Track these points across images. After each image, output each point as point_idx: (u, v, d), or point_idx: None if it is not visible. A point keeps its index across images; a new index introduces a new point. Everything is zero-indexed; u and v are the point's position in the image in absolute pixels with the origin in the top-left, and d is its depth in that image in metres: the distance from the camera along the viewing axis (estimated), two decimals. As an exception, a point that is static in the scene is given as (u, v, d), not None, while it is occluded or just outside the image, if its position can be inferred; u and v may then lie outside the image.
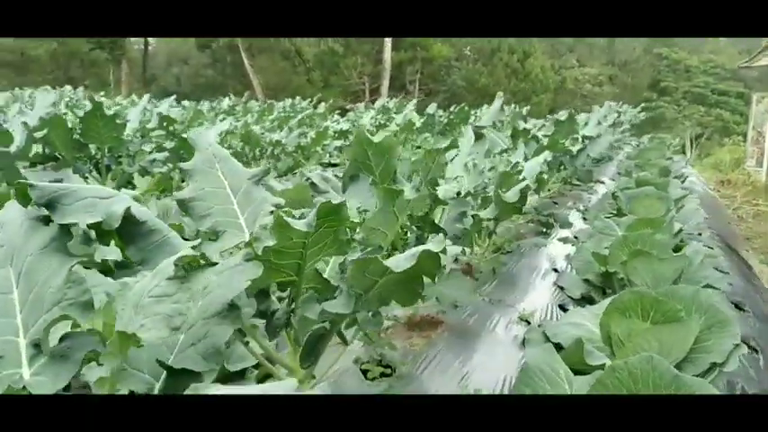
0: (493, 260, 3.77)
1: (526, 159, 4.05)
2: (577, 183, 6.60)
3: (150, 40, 53.14)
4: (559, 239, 4.37)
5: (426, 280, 1.59)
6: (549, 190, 5.32)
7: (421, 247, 1.42)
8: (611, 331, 2.54)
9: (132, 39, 43.98)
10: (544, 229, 4.42)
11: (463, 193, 2.91)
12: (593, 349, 2.41)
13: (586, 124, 7.34)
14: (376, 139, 2.19)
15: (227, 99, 15.71)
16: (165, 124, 5.90)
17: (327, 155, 7.03)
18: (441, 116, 11.81)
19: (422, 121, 9.95)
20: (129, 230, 1.40)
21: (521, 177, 3.36)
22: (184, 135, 5.10)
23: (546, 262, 3.93)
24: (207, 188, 1.61)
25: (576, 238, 4.46)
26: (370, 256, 1.49)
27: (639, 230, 3.88)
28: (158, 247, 1.42)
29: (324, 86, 36.42)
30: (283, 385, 0.99)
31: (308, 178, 2.26)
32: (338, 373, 2.05)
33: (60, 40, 39.12)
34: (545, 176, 5.08)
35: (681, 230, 4.04)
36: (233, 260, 1.27)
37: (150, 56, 53.80)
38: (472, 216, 3.07)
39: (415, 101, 14.68)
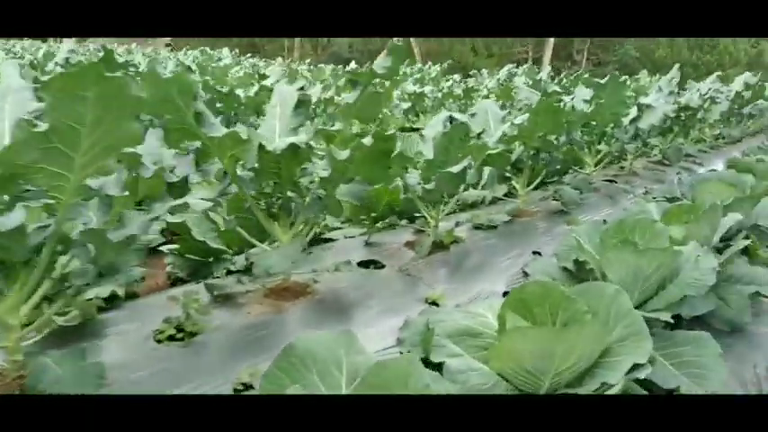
0: (471, 235, 3.30)
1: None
2: (666, 162, 5.60)
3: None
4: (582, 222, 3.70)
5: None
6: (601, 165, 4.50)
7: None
8: (507, 327, 2.04)
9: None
10: (564, 209, 3.76)
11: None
12: (448, 344, 1.95)
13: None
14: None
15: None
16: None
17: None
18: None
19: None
20: None
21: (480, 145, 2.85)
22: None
23: (546, 245, 3.34)
24: None
25: (604, 222, 3.74)
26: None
27: (677, 218, 3.18)
28: None
29: (488, 55, 35.47)
30: None
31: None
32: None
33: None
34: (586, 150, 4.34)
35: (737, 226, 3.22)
36: None
37: (327, 22, 56.28)
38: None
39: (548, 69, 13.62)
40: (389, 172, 2.88)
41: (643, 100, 4.09)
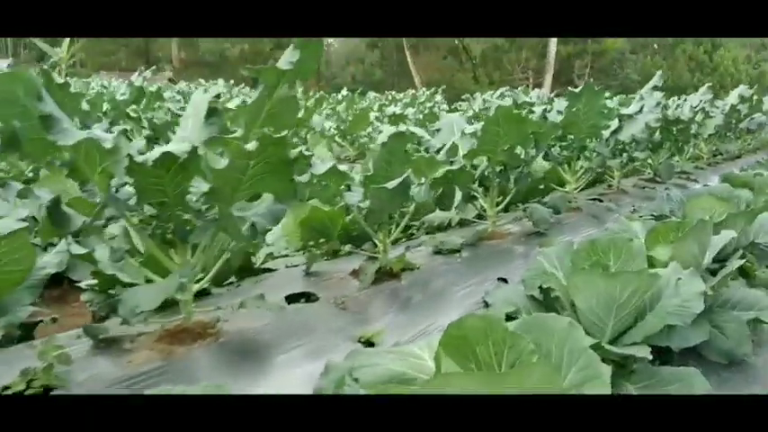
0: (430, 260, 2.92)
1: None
2: (658, 179, 5.21)
3: (329, 40, 56.16)
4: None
5: None
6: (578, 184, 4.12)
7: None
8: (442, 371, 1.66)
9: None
10: (538, 229, 3.37)
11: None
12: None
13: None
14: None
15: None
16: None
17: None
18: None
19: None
20: None
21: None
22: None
23: (516, 270, 2.95)
24: None
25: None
26: None
27: (663, 237, 2.82)
28: None
29: (490, 83, 35.51)
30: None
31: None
32: None
33: (249, 42, 42.61)
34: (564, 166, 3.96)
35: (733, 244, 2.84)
36: None
37: (330, 54, 56.87)
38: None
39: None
40: (331, 190, 2.55)
41: (624, 110, 3.73)
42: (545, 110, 3.46)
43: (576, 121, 3.60)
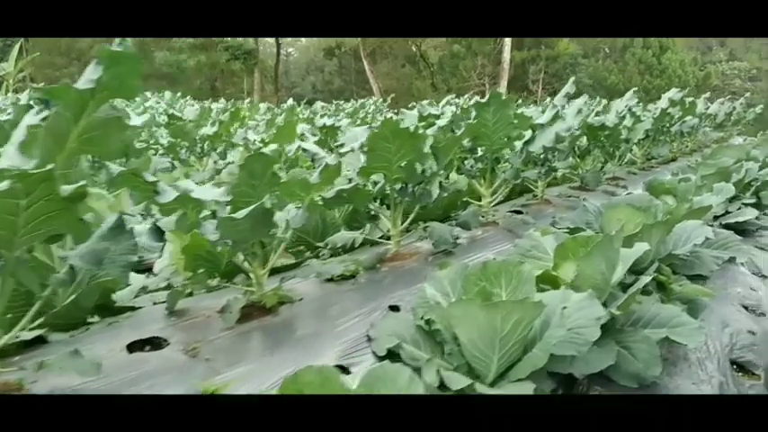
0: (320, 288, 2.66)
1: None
2: (586, 187, 5.07)
3: (289, 49, 55.64)
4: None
5: None
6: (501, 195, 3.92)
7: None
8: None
9: (266, 48, 46.03)
10: (445, 248, 3.15)
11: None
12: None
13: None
14: None
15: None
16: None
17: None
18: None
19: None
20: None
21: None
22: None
23: (411, 295, 2.71)
24: None
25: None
26: None
27: (572, 253, 2.62)
28: None
29: (447, 90, 35.54)
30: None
31: None
32: None
33: (205, 52, 41.77)
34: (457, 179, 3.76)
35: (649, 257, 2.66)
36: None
37: (290, 64, 56.40)
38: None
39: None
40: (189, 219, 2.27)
41: (538, 120, 3.54)
42: (451, 121, 3.25)
43: (486, 133, 3.40)
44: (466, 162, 3.55)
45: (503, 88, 32.32)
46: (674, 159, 7.31)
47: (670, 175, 5.15)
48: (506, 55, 32.42)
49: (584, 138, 4.77)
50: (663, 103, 6.66)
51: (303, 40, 50.39)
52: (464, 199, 3.86)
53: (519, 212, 4.13)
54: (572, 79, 4.10)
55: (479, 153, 3.56)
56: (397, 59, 41.26)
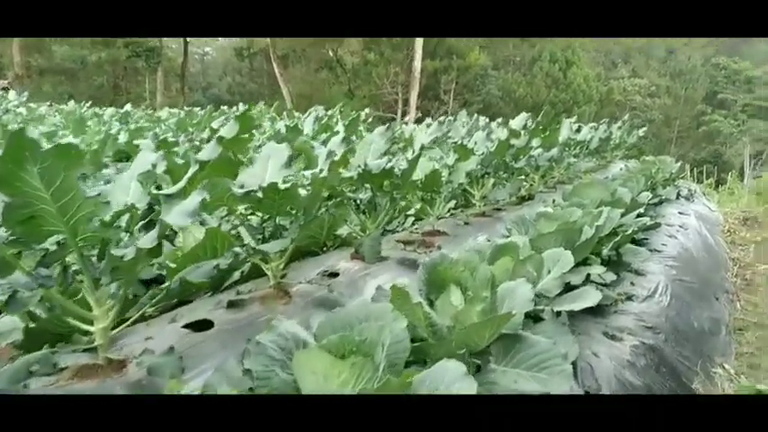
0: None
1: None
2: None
3: (207, 48, 53.45)
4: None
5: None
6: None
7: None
8: None
9: (172, 46, 43.99)
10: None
11: None
12: None
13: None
14: None
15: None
16: None
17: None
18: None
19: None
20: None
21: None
22: None
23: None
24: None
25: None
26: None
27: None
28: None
29: (362, 97, 35.32)
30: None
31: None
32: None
33: (106, 49, 39.28)
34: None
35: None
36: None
37: (207, 64, 54.25)
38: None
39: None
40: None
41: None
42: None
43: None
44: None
45: (413, 98, 32.46)
46: (529, 197, 5.97)
47: (508, 225, 3.82)
48: (417, 63, 32.50)
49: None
50: (502, 133, 5.31)
51: (221, 39, 48.63)
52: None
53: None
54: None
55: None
56: (311, 64, 40.62)
